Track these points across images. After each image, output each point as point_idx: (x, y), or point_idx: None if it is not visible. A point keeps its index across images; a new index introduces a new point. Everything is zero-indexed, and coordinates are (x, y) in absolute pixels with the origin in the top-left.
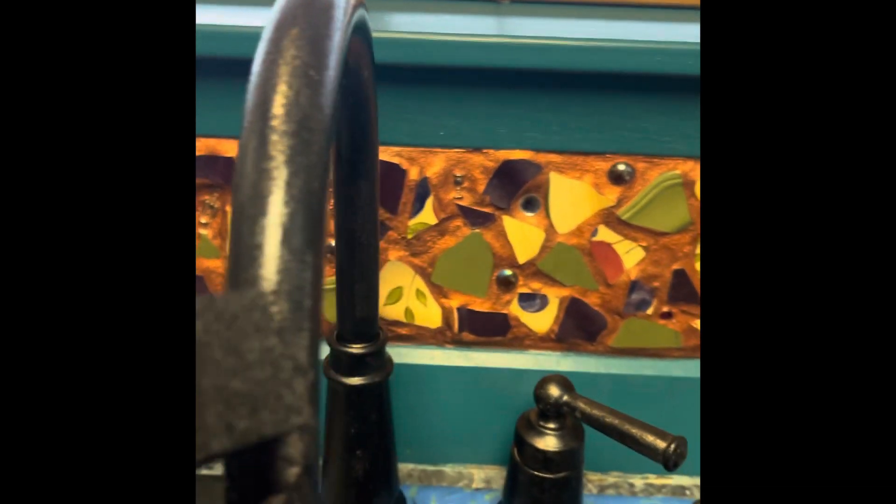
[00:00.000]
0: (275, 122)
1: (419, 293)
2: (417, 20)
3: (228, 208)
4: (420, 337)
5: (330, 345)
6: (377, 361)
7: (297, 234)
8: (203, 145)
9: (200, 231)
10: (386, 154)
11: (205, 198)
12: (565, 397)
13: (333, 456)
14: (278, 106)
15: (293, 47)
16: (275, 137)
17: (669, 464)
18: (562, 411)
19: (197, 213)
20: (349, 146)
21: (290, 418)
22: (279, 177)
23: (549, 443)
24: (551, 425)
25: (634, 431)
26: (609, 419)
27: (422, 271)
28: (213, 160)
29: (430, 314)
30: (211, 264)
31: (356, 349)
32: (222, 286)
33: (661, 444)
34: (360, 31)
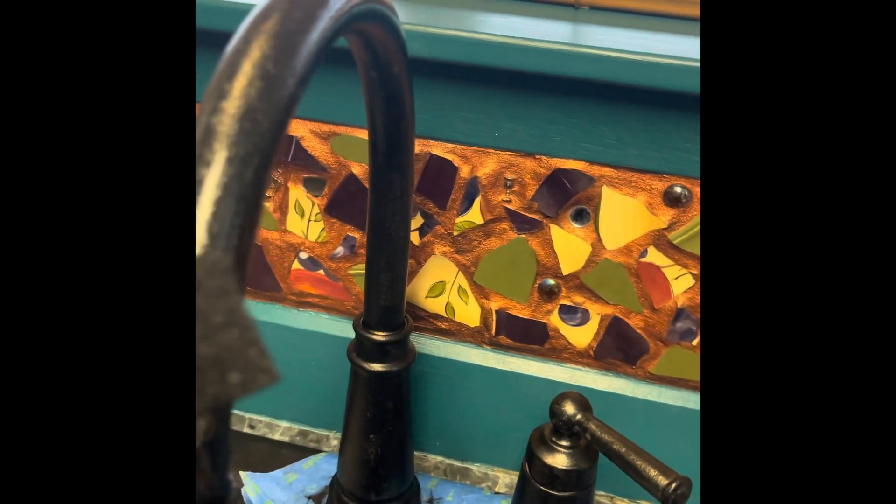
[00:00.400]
0: (221, 110)
1: (461, 290)
2: (492, 21)
3: (290, 184)
4: (458, 333)
5: (355, 329)
6: (398, 350)
7: (218, 221)
8: None
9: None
10: (439, 150)
11: None
12: (579, 416)
13: (350, 437)
14: (229, 95)
15: (261, 39)
16: (217, 125)
17: (668, 502)
18: (574, 430)
19: None
20: (384, 139)
21: (257, 378)
22: (212, 162)
23: (558, 460)
24: (564, 443)
25: (639, 463)
26: (616, 446)
27: (465, 269)
28: None
29: (469, 313)
30: (270, 235)
31: (379, 336)
32: (279, 257)
33: (663, 482)
34: (384, 25)
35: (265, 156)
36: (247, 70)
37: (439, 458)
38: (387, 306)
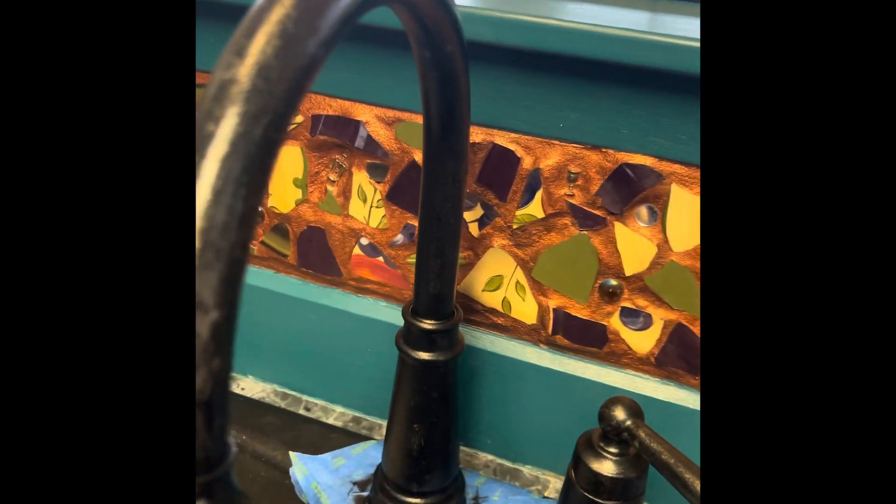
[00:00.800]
0: (236, 67)
1: (518, 286)
2: (565, 7)
3: (354, 169)
4: (514, 330)
5: (403, 316)
6: (446, 340)
7: (222, 178)
8: (338, 106)
9: (327, 187)
10: (502, 139)
11: (335, 156)
12: (628, 422)
13: (394, 425)
14: (246, 52)
15: None
16: (230, 81)
17: None
18: (623, 437)
19: (326, 171)
20: (438, 122)
21: None
22: (221, 118)
23: (604, 467)
24: (612, 449)
25: (687, 477)
26: (665, 457)
27: (524, 264)
28: (346, 122)
29: (526, 309)
30: (333, 220)
31: (426, 324)
32: (341, 241)
33: None
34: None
35: (277, 115)
36: (266, 28)
37: (490, 457)
38: (436, 294)
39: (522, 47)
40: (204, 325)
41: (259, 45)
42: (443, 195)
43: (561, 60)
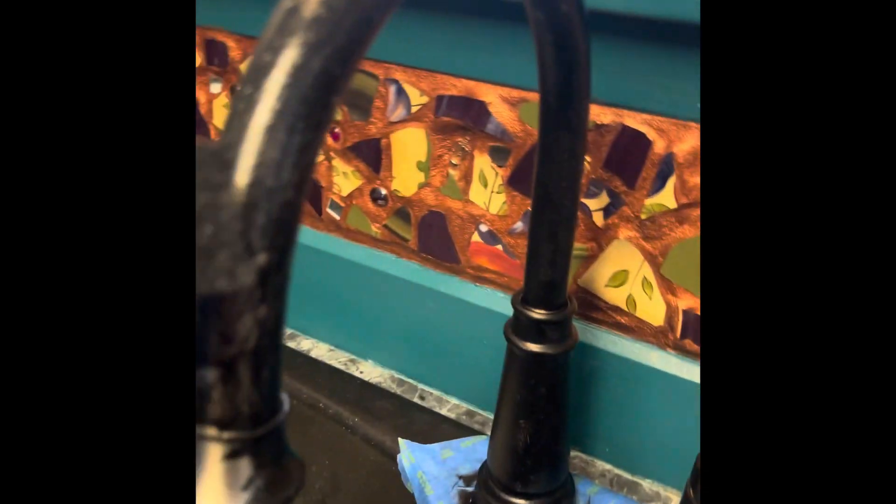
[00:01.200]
0: None
1: (645, 282)
2: None
3: (476, 152)
4: (639, 331)
5: (513, 304)
6: (556, 332)
7: (274, 111)
8: (462, 86)
9: (449, 171)
10: (632, 120)
11: (457, 139)
12: None
13: (500, 420)
14: None
15: None
16: (293, 10)
17: None
18: None
19: (448, 154)
20: (553, 91)
21: (216, 280)
22: (279, 48)
23: None
24: None
25: None
26: None
27: (652, 259)
28: (469, 103)
29: (653, 309)
30: (453, 204)
31: (536, 314)
32: (460, 227)
33: None
34: None
35: (339, 47)
36: None
37: (607, 466)
38: (547, 281)
39: (656, 17)
40: (249, 269)
41: None
42: (558, 173)
43: (695, 30)
